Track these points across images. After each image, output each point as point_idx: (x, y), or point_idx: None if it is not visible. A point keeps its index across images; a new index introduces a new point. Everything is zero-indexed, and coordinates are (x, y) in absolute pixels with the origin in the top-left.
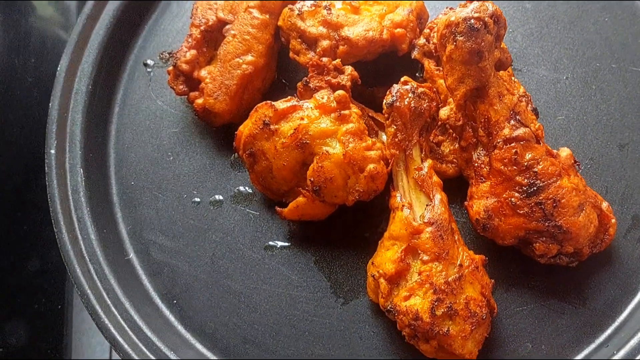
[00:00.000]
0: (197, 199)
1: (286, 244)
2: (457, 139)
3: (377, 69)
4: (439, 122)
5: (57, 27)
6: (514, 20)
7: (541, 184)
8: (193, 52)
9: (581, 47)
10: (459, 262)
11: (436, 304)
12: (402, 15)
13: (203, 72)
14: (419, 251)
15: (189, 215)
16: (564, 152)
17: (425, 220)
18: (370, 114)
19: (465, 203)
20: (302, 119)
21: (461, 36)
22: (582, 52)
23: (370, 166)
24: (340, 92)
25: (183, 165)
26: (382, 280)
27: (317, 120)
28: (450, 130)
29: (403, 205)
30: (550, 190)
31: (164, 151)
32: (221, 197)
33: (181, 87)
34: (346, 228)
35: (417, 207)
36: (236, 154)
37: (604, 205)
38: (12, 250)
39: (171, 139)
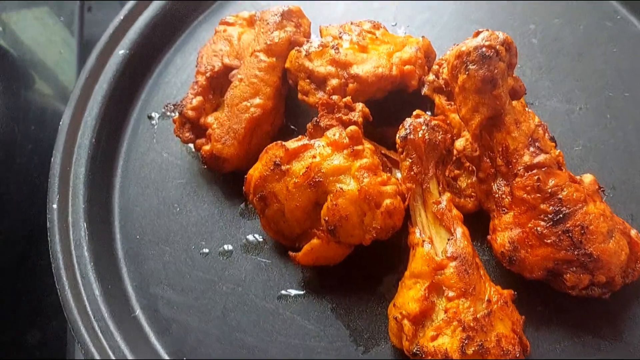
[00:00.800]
0: (206, 250)
1: (300, 292)
2: (473, 173)
3: (387, 108)
4: (455, 155)
5: (56, 101)
6: (522, 56)
7: (567, 211)
8: (199, 98)
9: (592, 77)
10: (486, 298)
11: (466, 342)
12: (410, 52)
13: (210, 119)
14: (444, 287)
15: (197, 267)
16: (587, 178)
17: (449, 255)
18: (382, 152)
19: (488, 237)
20: (314, 157)
21: (473, 65)
22: (594, 83)
23: (387, 201)
24: (352, 127)
25: (190, 216)
26: (405, 321)
27: (330, 158)
28: (467, 164)
29: (423, 241)
30: (577, 217)
31: (170, 203)
32: (231, 247)
33: (187, 134)
34: (363, 271)
35: (438, 242)
36: (246, 201)
37: (633, 232)
38: (12, 323)
39: (177, 190)
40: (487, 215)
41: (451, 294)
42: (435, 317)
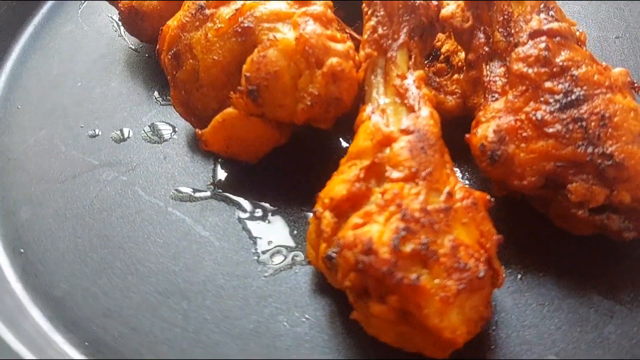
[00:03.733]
0: (97, 131)
1: (203, 193)
2: (462, 70)
3: None
4: (438, 39)
5: None
6: None
7: (582, 93)
8: None
9: None
10: (447, 190)
11: (403, 234)
12: None
13: None
14: (388, 168)
15: (77, 147)
16: (619, 69)
17: (402, 128)
18: (348, 30)
19: (467, 135)
20: None
21: None
22: None
23: (333, 60)
24: None
25: (91, 93)
26: (325, 213)
27: (269, 1)
28: (456, 60)
29: (373, 114)
30: (596, 103)
31: (73, 76)
32: (130, 133)
33: None
34: (290, 177)
35: (392, 116)
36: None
37: None
38: None
39: (86, 65)
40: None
41: (396, 174)
42: (369, 206)
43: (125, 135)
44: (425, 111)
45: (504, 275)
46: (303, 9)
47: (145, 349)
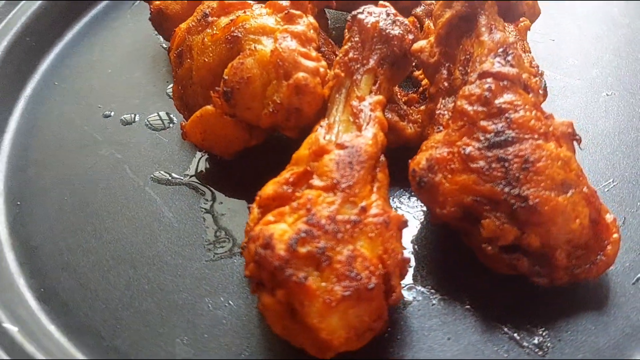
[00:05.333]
0: (111, 113)
1: (179, 178)
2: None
3: None
4: (413, 69)
5: None
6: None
7: (513, 135)
8: None
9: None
10: (362, 204)
11: (303, 235)
12: None
13: None
14: (315, 176)
15: (90, 124)
16: (563, 119)
17: (339, 142)
18: (335, 50)
19: (410, 161)
20: (245, 12)
21: None
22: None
23: (300, 74)
24: None
25: (115, 77)
26: (254, 209)
27: (260, 16)
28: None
29: (320, 127)
30: (523, 147)
31: (106, 61)
32: (137, 117)
33: None
34: (263, 176)
35: (335, 131)
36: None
37: (609, 216)
38: None
39: (121, 54)
40: None
41: (318, 182)
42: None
43: (132, 120)
44: (369, 132)
45: (402, 294)
46: (286, 27)
47: (85, 303)
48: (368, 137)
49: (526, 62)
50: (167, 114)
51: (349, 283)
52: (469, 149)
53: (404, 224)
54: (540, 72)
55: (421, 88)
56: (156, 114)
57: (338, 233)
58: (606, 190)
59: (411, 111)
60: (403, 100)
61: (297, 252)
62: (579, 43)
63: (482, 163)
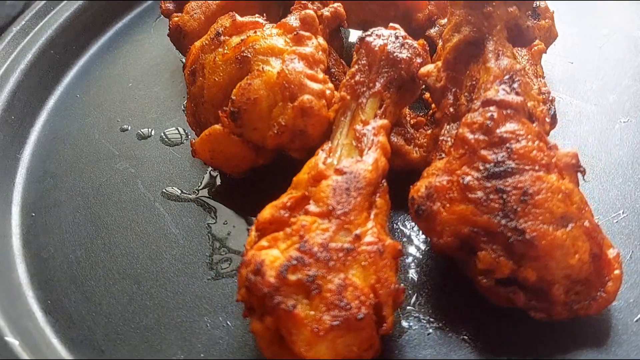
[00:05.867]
0: (127, 127)
1: (189, 195)
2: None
3: None
4: (420, 90)
5: None
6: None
7: (513, 166)
8: None
9: None
10: (357, 232)
11: (294, 263)
12: None
13: None
14: (311, 201)
15: (108, 137)
16: (568, 150)
17: (338, 167)
18: (346, 70)
19: (411, 186)
20: (255, 32)
21: None
22: None
23: (305, 96)
24: (307, 11)
25: (135, 90)
26: (252, 232)
27: (270, 37)
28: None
29: (322, 150)
30: (523, 178)
31: (127, 77)
32: (152, 132)
33: (168, 5)
34: (272, 195)
35: (337, 156)
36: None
37: (612, 251)
38: None
39: (142, 68)
40: None
41: (314, 208)
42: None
43: (148, 134)
44: (370, 157)
45: (394, 324)
46: (294, 48)
47: (89, 317)
48: (368, 162)
49: (535, 89)
50: (182, 129)
51: (338, 312)
52: (468, 179)
53: (399, 252)
54: (550, 98)
55: (431, 111)
56: (171, 130)
57: (330, 261)
58: (615, 221)
59: (418, 135)
60: (411, 122)
61: (287, 279)
62: (598, 66)
63: (480, 194)
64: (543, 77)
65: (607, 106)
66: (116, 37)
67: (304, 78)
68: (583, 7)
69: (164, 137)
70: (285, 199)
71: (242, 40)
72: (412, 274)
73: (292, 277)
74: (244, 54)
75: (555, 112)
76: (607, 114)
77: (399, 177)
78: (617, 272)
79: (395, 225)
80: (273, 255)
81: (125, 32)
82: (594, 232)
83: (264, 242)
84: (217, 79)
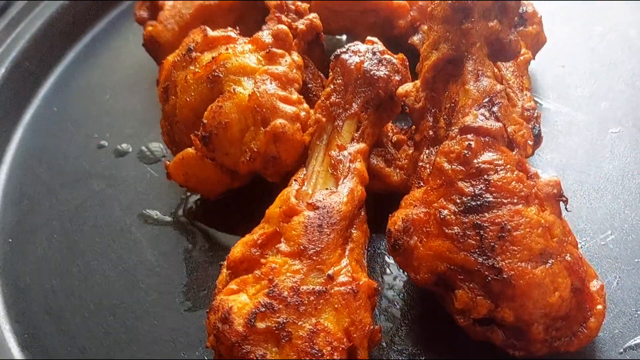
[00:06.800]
0: (104, 143)
1: (166, 218)
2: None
3: None
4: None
5: None
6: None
7: (491, 199)
8: None
9: None
10: (330, 272)
11: (262, 310)
12: None
13: (169, 2)
14: (282, 239)
15: (83, 156)
16: (549, 177)
17: (310, 202)
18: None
19: (390, 215)
20: (227, 49)
21: None
22: None
23: (278, 121)
24: (280, 26)
25: (112, 104)
26: (224, 268)
27: (242, 54)
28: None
29: (295, 180)
30: (501, 213)
31: (104, 85)
32: (130, 149)
33: (142, 13)
34: (251, 219)
35: (311, 187)
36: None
37: (595, 283)
38: None
39: (119, 78)
40: None
41: (284, 248)
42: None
43: (125, 151)
44: (345, 187)
45: None
46: (266, 67)
47: (64, 350)
48: (343, 193)
49: (519, 107)
50: (160, 145)
51: None
52: (445, 212)
53: (374, 291)
54: (536, 115)
55: (413, 126)
56: (150, 145)
57: (301, 306)
58: (602, 244)
59: (399, 155)
60: (393, 140)
61: (255, 327)
62: (591, 70)
63: (457, 229)
64: (530, 90)
65: (599, 114)
66: (93, 44)
67: (276, 100)
68: (576, 5)
69: (142, 152)
70: (256, 235)
71: (213, 58)
72: (396, 303)
73: (261, 325)
74: (215, 74)
75: (539, 130)
76: (598, 124)
77: (379, 199)
78: (599, 307)
79: (380, 251)
80: (241, 302)
81: (101, 39)
82: (576, 266)
83: (233, 286)
84: (188, 99)
